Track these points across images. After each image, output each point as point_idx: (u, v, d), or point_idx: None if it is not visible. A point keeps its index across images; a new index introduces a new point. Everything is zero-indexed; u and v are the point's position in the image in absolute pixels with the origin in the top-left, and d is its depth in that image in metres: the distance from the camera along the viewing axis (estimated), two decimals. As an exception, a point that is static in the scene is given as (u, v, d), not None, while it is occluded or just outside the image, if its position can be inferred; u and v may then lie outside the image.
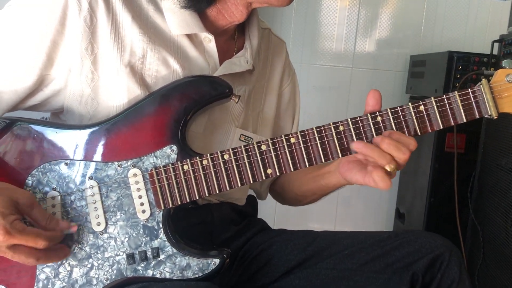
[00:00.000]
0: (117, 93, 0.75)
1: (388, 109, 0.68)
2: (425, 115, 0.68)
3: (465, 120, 0.68)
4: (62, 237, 0.67)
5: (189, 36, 0.78)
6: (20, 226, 0.62)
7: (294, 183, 0.92)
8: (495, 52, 1.44)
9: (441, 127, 0.68)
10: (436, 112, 0.68)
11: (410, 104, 0.68)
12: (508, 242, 1.24)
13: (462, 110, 0.67)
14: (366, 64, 2.03)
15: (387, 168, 0.66)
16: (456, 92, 0.67)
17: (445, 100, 0.67)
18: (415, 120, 0.68)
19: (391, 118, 0.68)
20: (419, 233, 0.81)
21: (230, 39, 0.86)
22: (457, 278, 0.76)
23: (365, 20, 2.01)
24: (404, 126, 0.68)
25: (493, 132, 1.38)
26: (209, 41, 0.79)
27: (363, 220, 2.11)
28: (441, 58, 1.61)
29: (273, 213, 1.93)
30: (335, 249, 0.82)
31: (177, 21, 0.76)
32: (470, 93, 0.67)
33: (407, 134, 0.69)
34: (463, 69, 1.55)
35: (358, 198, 2.11)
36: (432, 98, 0.68)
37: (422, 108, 0.68)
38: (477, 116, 0.67)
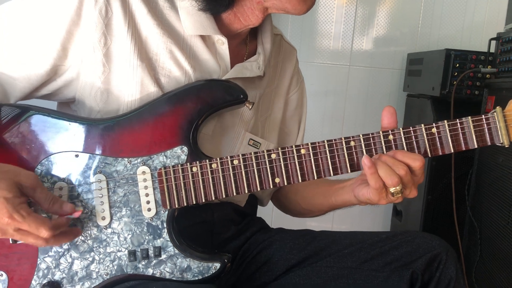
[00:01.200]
0: (130, 88, 0.74)
1: (401, 129, 0.69)
2: (436, 138, 0.68)
3: (476, 146, 0.68)
4: (67, 223, 0.67)
5: (202, 37, 0.78)
6: (24, 211, 0.62)
7: (301, 195, 0.92)
8: (492, 50, 1.44)
9: (452, 151, 0.68)
10: (448, 135, 0.68)
11: (423, 125, 0.69)
12: (505, 239, 1.25)
13: (474, 136, 0.68)
14: (364, 62, 2.03)
15: (391, 189, 0.67)
16: (469, 117, 0.68)
17: (458, 124, 0.68)
18: (426, 142, 0.68)
19: (403, 138, 0.68)
20: (416, 233, 0.82)
21: (242, 43, 0.86)
22: (454, 276, 0.77)
23: (363, 18, 2.02)
24: (415, 147, 0.68)
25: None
26: (222, 44, 0.79)
27: (360, 218, 2.11)
28: (438, 56, 1.61)
29: (270, 212, 1.93)
30: (334, 248, 0.83)
31: (192, 22, 0.76)
32: (484, 119, 0.68)
33: None
34: (460, 67, 1.56)
35: (355, 196, 2.11)
36: (446, 121, 0.68)
37: (434, 130, 0.68)
38: (489, 143, 0.68)
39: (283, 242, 0.86)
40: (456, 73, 1.56)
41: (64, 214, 0.67)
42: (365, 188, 0.71)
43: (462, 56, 1.56)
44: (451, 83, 1.56)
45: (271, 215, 1.97)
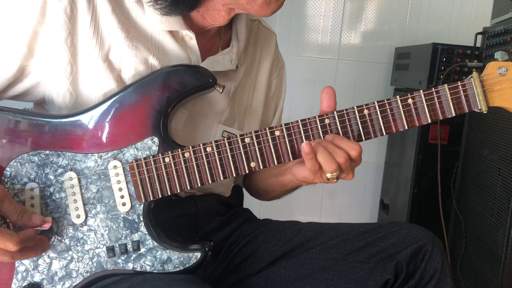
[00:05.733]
0: (95, 88, 0.73)
1: (376, 102, 0.67)
2: (412, 109, 0.66)
3: (454, 114, 0.66)
4: (35, 236, 0.65)
5: (171, 32, 0.77)
6: None
7: (259, 176, 0.91)
8: (478, 44, 1.45)
9: (429, 121, 0.66)
10: (425, 105, 0.66)
11: (398, 97, 0.66)
12: (489, 232, 1.26)
13: (451, 104, 0.65)
14: (352, 56, 2.03)
15: (327, 175, 0.66)
16: (445, 85, 0.65)
17: (434, 93, 0.65)
18: (402, 114, 0.66)
19: (378, 112, 0.66)
20: (402, 224, 0.82)
21: (215, 35, 0.84)
22: (440, 268, 0.76)
23: (351, 12, 2.01)
24: (391, 120, 0.66)
25: (476, 124, 1.40)
26: (190, 39, 0.77)
27: (348, 211, 2.12)
28: (425, 50, 1.62)
29: (258, 204, 1.93)
30: (320, 239, 0.83)
31: (157, 18, 0.75)
32: (460, 86, 0.65)
33: (394, 129, 0.67)
34: (447, 61, 1.56)
35: (343, 190, 2.12)
36: (421, 91, 0.66)
37: (410, 101, 0.66)
38: (466, 110, 0.66)
39: (269, 234, 0.86)
40: (442, 67, 1.56)
41: (33, 226, 0.64)
42: (301, 167, 0.69)
43: (448, 50, 1.56)
44: (438, 77, 1.56)
45: (259, 207, 1.97)
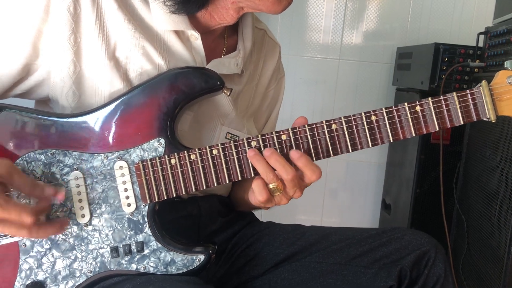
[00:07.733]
0: (100, 87, 0.73)
1: (383, 109, 0.67)
2: (420, 116, 0.66)
3: (462, 123, 0.66)
4: (49, 207, 0.65)
5: (176, 32, 0.76)
6: (2, 200, 0.59)
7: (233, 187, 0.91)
8: (481, 44, 1.44)
9: (437, 129, 0.66)
10: (433, 113, 0.66)
11: (406, 104, 0.66)
12: (491, 232, 1.26)
13: (459, 112, 0.66)
14: (353, 56, 2.03)
15: (270, 186, 0.66)
16: (454, 93, 0.66)
17: (442, 101, 0.66)
18: (410, 121, 0.66)
19: (386, 118, 0.66)
20: (405, 230, 0.82)
21: (219, 37, 0.84)
22: (443, 274, 0.77)
23: (352, 12, 2.01)
24: (399, 127, 0.66)
25: (477, 124, 1.40)
26: (196, 39, 0.77)
27: (349, 211, 2.12)
28: (427, 50, 1.61)
29: (260, 205, 1.93)
30: (324, 244, 0.83)
31: (163, 17, 0.75)
32: (469, 94, 0.66)
33: (401, 136, 0.67)
34: (449, 61, 1.56)
35: (344, 190, 2.12)
36: (429, 98, 0.66)
37: (418, 108, 0.66)
38: (475, 119, 0.66)
39: (273, 237, 0.86)
40: (444, 67, 1.56)
41: (47, 197, 0.64)
42: (252, 193, 0.70)
43: (450, 50, 1.56)
44: (440, 77, 1.56)
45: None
